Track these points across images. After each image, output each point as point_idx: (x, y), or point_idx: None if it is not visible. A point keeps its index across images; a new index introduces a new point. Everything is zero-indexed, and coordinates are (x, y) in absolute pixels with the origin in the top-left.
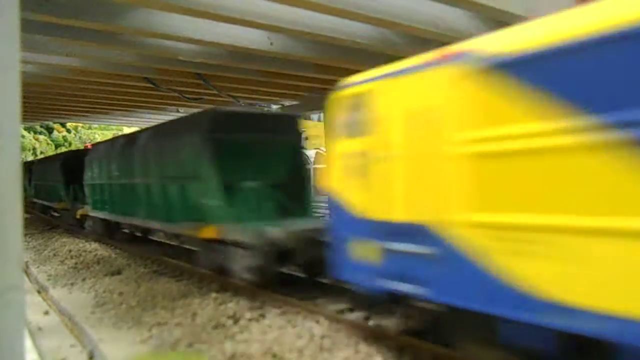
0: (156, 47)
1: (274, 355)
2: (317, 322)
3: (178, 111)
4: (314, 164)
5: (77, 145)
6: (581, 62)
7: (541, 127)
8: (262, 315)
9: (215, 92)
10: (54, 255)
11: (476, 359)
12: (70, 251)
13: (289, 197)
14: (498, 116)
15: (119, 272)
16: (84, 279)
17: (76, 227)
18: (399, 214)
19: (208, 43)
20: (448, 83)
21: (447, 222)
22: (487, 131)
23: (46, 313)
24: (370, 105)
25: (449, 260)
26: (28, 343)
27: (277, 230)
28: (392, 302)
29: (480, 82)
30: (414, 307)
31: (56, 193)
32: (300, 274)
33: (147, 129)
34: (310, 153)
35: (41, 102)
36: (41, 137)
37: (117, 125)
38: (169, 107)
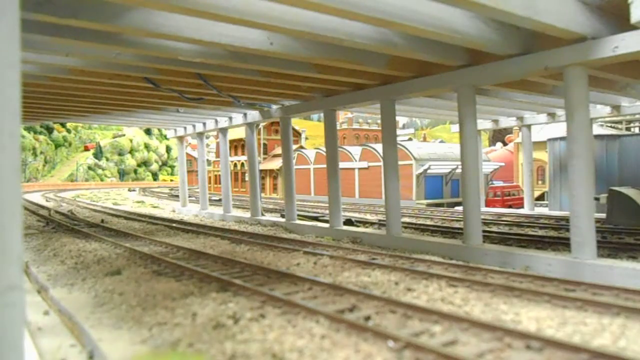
0: (156, 47)
1: (274, 355)
2: (317, 322)
3: (178, 111)
4: (313, 164)
5: (77, 145)
6: None
7: None
8: (262, 315)
9: (215, 92)
10: (54, 255)
11: None
12: (70, 251)
13: None
14: None
15: (119, 272)
16: (84, 279)
17: None
18: None
19: (208, 43)
20: None
21: None
22: None
23: (46, 313)
24: None
25: None
26: (28, 343)
27: None
28: None
29: None
30: None
31: None
32: None
33: None
34: (311, 153)
35: (41, 102)
36: (41, 137)
37: (117, 126)
38: (169, 107)
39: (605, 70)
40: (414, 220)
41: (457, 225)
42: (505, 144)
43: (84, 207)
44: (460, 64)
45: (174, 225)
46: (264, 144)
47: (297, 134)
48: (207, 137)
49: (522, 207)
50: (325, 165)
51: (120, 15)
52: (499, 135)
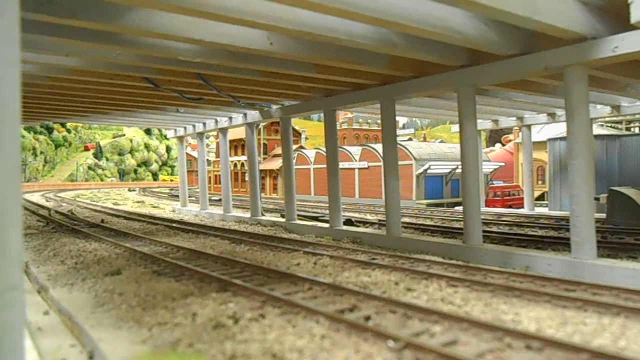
0: (156, 47)
1: (274, 355)
2: (317, 322)
3: (178, 111)
4: (313, 164)
5: (77, 145)
6: None
7: None
8: (262, 315)
9: (215, 92)
10: (54, 255)
11: None
12: (70, 251)
13: None
14: None
15: (119, 272)
16: (84, 279)
17: None
18: None
19: (208, 43)
20: None
21: None
22: None
23: (46, 313)
24: None
25: None
26: (28, 343)
27: None
28: None
29: None
30: None
31: None
32: None
33: None
34: (311, 153)
35: (41, 102)
36: (41, 137)
37: (117, 125)
38: (169, 107)
39: (605, 70)
40: (414, 220)
41: (457, 225)
42: (502, 145)
43: (84, 207)
44: (460, 64)
45: (174, 225)
46: (264, 144)
47: (297, 134)
48: (207, 137)
49: (522, 207)
50: (325, 165)
51: (120, 15)
52: (496, 136)
